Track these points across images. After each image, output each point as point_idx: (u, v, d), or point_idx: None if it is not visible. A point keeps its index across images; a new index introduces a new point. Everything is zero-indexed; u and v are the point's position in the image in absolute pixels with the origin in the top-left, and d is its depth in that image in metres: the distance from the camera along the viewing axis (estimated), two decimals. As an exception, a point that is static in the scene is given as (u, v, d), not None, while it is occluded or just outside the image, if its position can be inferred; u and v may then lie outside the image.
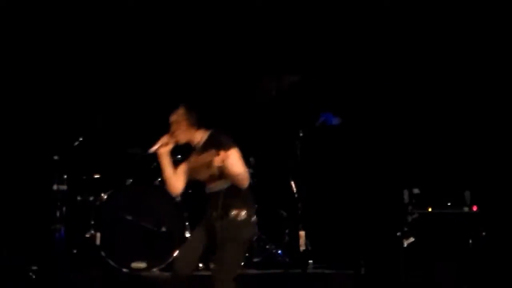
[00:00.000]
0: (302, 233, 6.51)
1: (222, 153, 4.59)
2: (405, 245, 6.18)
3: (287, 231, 6.81)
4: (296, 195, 6.69)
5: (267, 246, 6.66)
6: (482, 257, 6.14)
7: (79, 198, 6.53)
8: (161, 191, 6.27)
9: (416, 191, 6.35)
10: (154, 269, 6.22)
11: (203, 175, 4.79)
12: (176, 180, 4.87)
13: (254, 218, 4.83)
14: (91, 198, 6.48)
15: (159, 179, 6.33)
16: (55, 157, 6.48)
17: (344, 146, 7.51)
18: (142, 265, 6.24)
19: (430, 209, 6.28)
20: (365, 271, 6.39)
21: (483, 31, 7.46)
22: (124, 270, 6.21)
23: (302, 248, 6.44)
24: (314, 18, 7.99)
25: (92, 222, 6.36)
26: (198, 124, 4.83)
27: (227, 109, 7.82)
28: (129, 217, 6.36)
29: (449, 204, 6.29)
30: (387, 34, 7.78)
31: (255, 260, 6.59)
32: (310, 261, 6.41)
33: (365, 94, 7.75)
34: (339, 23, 7.88)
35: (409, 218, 6.27)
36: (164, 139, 4.84)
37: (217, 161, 4.59)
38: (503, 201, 6.98)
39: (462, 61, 7.56)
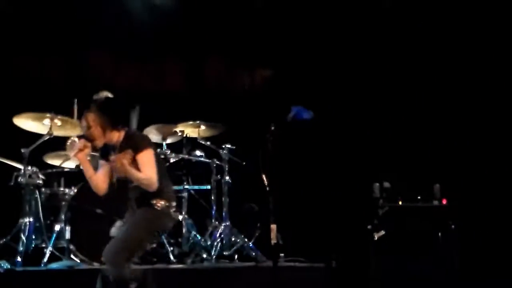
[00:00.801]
0: (273, 227, 6.49)
1: (120, 155, 4.63)
2: (376, 238, 6.22)
3: (258, 224, 6.81)
4: (267, 189, 6.68)
5: (238, 239, 6.65)
6: (451, 249, 6.21)
7: (48, 191, 6.44)
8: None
9: (386, 185, 6.40)
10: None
11: (122, 173, 4.78)
12: (99, 181, 4.90)
13: (173, 211, 4.84)
14: (61, 191, 6.40)
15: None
16: (23, 150, 6.39)
17: (316, 140, 7.54)
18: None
19: (400, 203, 6.34)
20: (336, 264, 6.42)
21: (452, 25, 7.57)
22: (95, 263, 6.14)
23: (273, 241, 6.42)
24: (285, 13, 8.01)
25: (62, 216, 6.30)
26: (113, 124, 4.80)
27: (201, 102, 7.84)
28: (99, 211, 6.30)
29: (419, 197, 6.35)
30: (357, 27, 7.83)
31: (226, 253, 6.59)
32: (281, 255, 6.42)
33: (336, 89, 7.78)
34: (311, 17, 7.91)
35: (380, 212, 6.32)
36: (80, 144, 4.82)
37: (114, 160, 4.62)
38: (472, 195, 7.08)
39: (431, 55, 7.64)
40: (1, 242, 6.18)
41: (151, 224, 4.77)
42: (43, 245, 6.23)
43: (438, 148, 7.33)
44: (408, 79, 7.61)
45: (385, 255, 6.20)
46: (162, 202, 4.76)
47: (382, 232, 6.22)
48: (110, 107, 4.85)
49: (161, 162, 4.98)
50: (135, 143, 4.75)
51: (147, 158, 4.71)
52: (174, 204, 4.86)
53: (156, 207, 4.74)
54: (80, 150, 4.81)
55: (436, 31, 7.59)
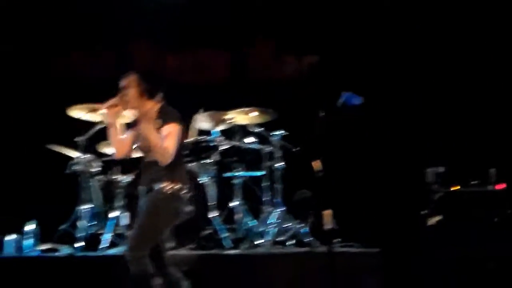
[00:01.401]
0: (328, 212, 6.48)
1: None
2: (431, 223, 6.18)
3: (311, 210, 6.81)
4: (319, 174, 6.67)
5: (292, 225, 6.67)
6: (507, 234, 6.14)
7: (105, 178, 6.55)
8: (188, 172, 6.26)
9: (441, 169, 6.35)
10: (182, 248, 6.20)
11: (144, 138, 4.73)
12: (121, 144, 4.86)
13: (184, 193, 4.72)
14: (118, 179, 6.50)
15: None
16: (77, 139, 6.51)
17: (366, 125, 7.52)
18: (170, 244, 6.24)
19: (455, 188, 6.28)
20: (390, 249, 6.41)
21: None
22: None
23: (327, 226, 6.42)
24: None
25: (119, 202, 6.39)
26: (150, 93, 4.77)
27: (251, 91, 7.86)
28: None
29: (474, 182, 6.29)
30: (407, 12, 7.79)
31: (280, 239, 6.61)
32: (336, 240, 6.41)
33: (387, 73, 7.74)
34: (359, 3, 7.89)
35: (435, 197, 6.27)
36: (113, 100, 4.83)
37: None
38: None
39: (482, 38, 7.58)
40: (61, 228, 6.33)
41: (161, 210, 4.66)
42: (101, 232, 6.34)
43: (494, 132, 7.25)
44: (464, 62, 7.55)
45: (440, 240, 6.16)
46: (173, 185, 4.68)
47: (438, 217, 6.18)
48: (152, 77, 4.87)
49: (183, 145, 4.91)
50: (165, 115, 4.72)
51: (171, 131, 4.66)
52: (186, 187, 4.76)
53: (165, 190, 4.66)
54: (112, 106, 4.83)
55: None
